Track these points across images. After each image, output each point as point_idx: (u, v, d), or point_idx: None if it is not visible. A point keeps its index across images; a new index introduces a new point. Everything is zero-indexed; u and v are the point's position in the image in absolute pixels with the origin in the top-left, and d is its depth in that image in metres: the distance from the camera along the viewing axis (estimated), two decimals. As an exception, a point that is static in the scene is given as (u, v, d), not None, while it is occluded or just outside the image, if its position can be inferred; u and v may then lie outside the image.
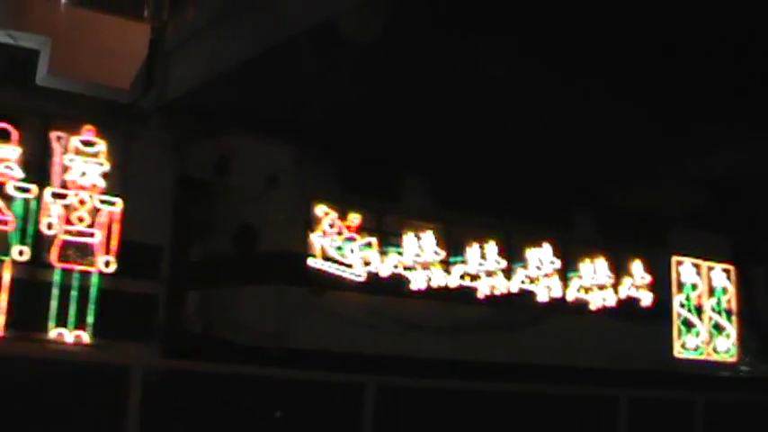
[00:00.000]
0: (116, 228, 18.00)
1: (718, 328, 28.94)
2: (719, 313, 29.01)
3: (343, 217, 21.58)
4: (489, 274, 24.06)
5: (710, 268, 29.06)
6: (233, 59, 22.09)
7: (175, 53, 27.26)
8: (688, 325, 28.25)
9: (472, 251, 23.78)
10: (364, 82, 20.65)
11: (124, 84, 29.04)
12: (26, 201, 17.40)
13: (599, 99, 20.65)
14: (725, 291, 29.19)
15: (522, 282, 24.76)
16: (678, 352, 28.05)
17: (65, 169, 17.75)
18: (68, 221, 17.67)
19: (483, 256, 23.94)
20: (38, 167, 17.56)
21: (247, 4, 22.31)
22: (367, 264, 21.85)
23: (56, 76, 27.98)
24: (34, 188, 17.44)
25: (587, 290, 26.13)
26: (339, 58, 19.65)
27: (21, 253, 17.23)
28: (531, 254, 24.99)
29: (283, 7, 20.38)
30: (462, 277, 23.57)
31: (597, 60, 18.98)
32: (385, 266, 22.21)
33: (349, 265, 21.51)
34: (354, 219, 21.69)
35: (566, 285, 25.67)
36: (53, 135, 17.71)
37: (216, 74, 23.00)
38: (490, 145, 22.80)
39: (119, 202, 17.96)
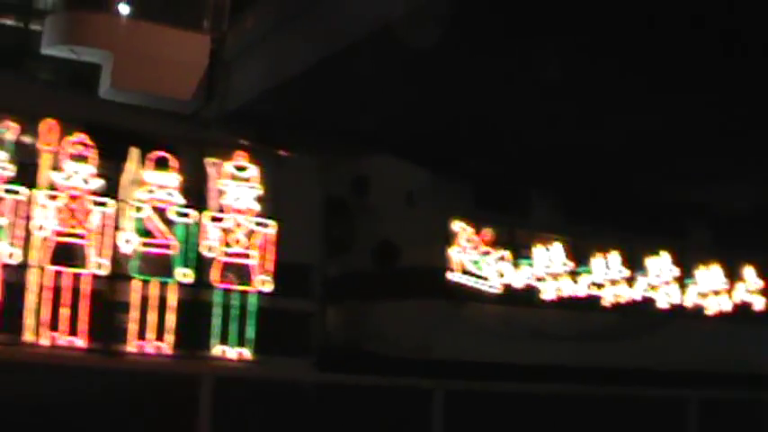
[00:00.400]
0: (271, 249, 17.10)
1: (828, 329, 27.45)
2: (829, 315, 27.55)
3: (478, 232, 20.84)
4: (613, 282, 23.15)
5: (821, 271, 27.59)
6: (293, 67, 21.46)
7: (236, 63, 26.66)
8: (799, 328, 26.81)
9: (597, 262, 22.85)
10: (421, 87, 20.02)
11: (186, 95, 28.50)
12: (187, 225, 16.66)
13: (704, 101, 19.73)
14: (834, 292, 27.70)
15: (644, 290, 23.75)
16: (791, 354, 26.54)
17: (221, 194, 16.94)
18: (227, 244, 16.82)
19: (607, 266, 23.03)
20: (196, 193, 16.75)
21: (306, 13, 21.69)
22: (501, 276, 21.09)
23: (118, 90, 27.44)
24: (193, 213, 16.65)
25: (704, 296, 25.01)
26: (399, 64, 18.98)
27: (184, 275, 16.42)
28: (651, 263, 24.01)
29: (342, 15, 19.74)
30: (589, 286, 22.60)
31: (697, 60, 18.03)
32: (518, 278, 21.36)
33: (485, 278, 20.76)
34: (488, 233, 20.92)
35: (683, 292, 24.62)
36: (208, 162, 16.89)
37: (277, 82, 22.37)
38: (611, 158, 22.12)
39: (272, 223, 17.07)
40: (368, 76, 20.24)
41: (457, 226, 20.52)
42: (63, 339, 15.73)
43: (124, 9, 31.68)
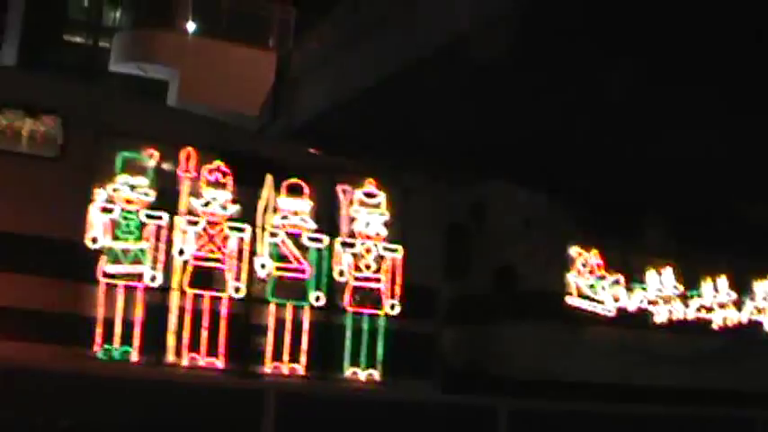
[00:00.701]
0: (399, 273, 16.88)
1: None
2: None
3: (593, 257, 20.40)
4: (722, 306, 22.53)
5: None
6: (360, 83, 21.07)
7: (302, 79, 26.22)
8: None
9: (706, 285, 22.33)
10: (491, 105, 19.56)
11: (253, 111, 28.08)
12: (319, 250, 16.46)
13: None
14: None
15: (751, 313, 23.08)
16: None
17: (351, 220, 16.73)
18: (357, 268, 16.61)
19: (716, 290, 22.40)
20: (327, 219, 16.57)
21: (372, 29, 21.33)
22: (616, 300, 20.66)
23: (185, 106, 27.05)
24: (325, 238, 16.45)
25: (812, 319, 24.09)
26: (468, 79, 18.56)
27: (317, 299, 16.27)
28: (758, 286, 23.39)
29: (409, 30, 19.38)
30: (699, 310, 22.06)
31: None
32: (632, 302, 20.96)
33: (600, 302, 20.33)
34: (604, 258, 20.53)
35: (791, 315, 23.65)
36: (339, 188, 16.71)
37: (344, 98, 21.97)
38: (719, 181, 21.67)
39: (400, 249, 16.81)
40: (438, 92, 19.91)
41: (573, 250, 20.00)
42: (203, 360, 15.61)
43: (191, 27, 31.52)
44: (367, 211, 16.87)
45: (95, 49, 52.44)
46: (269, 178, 16.34)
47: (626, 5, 16.07)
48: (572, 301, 20.01)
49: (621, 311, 20.81)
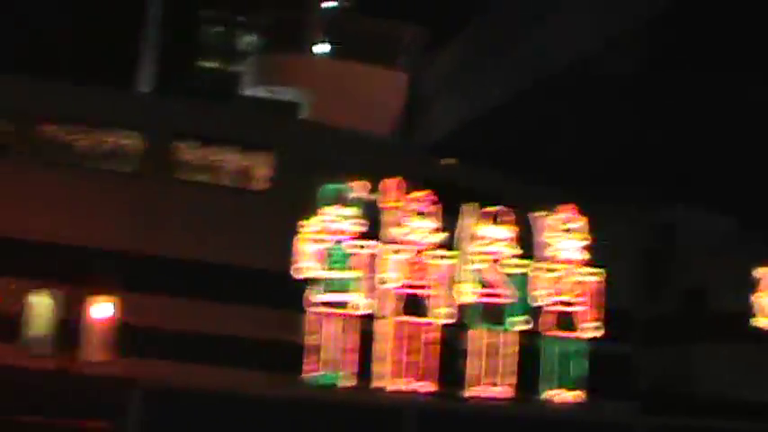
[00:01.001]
0: (597, 296, 16.67)
1: None
2: None
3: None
4: None
5: None
6: (491, 103, 20.74)
7: (433, 98, 25.90)
8: None
9: None
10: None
11: (384, 131, 27.85)
12: (520, 276, 16.38)
13: None
14: None
15: None
16: None
17: (549, 245, 16.63)
18: (556, 293, 16.46)
19: None
20: (526, 245, 16.52)
21: (502, 50, 21.01)
22: (806, 320, 19.88)
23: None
24: (525, 264, 16.43)
25: None
26: (593, 98, 18.14)
27: (520, 323, 16.26)
28: None
29: (538, 49, 19.01)
30: None
31: None
32: (820, 322, 20.13)
33: (789, 323, 19.64)
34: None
35: None
36: (536, 215, 16.68)
37: (476, 115, 21.62)
38: None
39: (598, 272, 16.65)
40: (569, 108, 19.57)
41: (761, 272, 19.51)
42: (411, 384, 15.70)
43: (322, 49, 31.54)
44: (564, 237, 16.67)
45: (228, 73, 53.09)
46: (470, 206, 16.28)
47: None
48: (761, 322, 19.45)
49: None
